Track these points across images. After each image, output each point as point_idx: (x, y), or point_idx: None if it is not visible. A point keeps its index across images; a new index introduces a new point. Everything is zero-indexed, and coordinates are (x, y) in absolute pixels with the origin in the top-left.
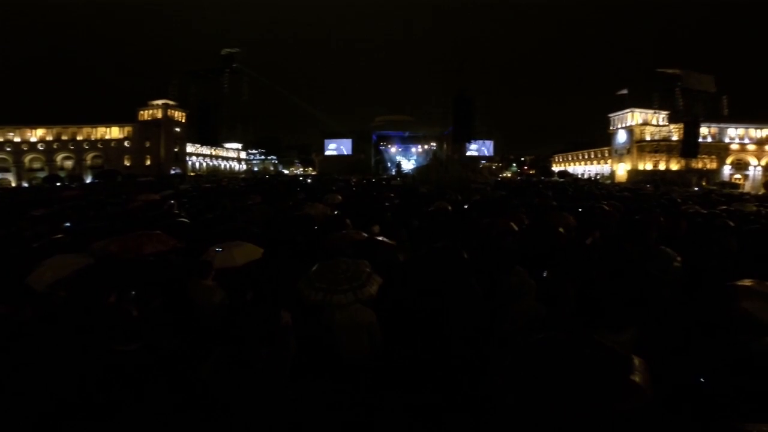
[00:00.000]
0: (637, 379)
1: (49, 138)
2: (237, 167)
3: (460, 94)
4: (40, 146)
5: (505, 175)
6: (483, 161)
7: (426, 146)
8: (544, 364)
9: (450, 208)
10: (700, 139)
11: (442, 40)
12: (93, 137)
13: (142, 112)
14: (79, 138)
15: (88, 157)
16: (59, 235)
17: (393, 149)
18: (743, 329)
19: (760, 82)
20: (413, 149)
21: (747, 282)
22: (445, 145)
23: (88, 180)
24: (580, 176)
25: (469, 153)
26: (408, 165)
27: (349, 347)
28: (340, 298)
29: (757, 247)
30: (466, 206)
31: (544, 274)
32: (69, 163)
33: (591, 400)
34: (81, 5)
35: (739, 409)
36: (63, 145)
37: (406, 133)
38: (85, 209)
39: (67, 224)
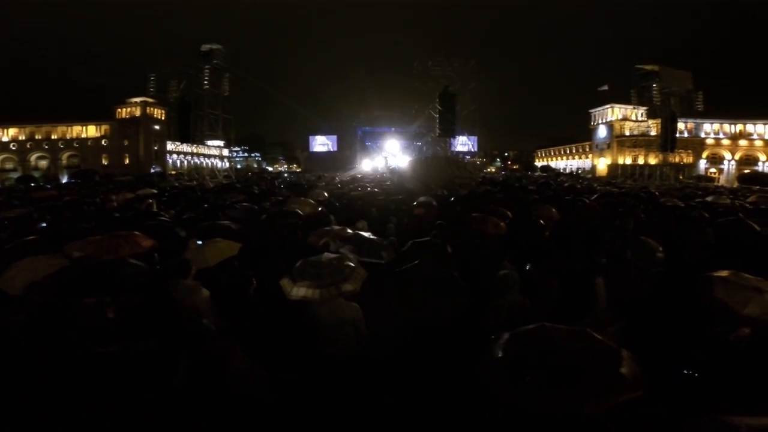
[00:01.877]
0: (625, 371)
1: (22, 137)
2: (219, 165)
3: (445, 90)
4: (12, 146)
5: (489, 170)
6: (467, 156)
7: (412, 141)
8: (533, 356)
9: (435, 203)
10: (677, 134)
11: (426, 34)
12: (68, 136)
13: (119, 109)
14: (54, 137)
15: (64, 157)
16: (32, 237)
17: (379, 144)
18: (720, 320)
19: (734, 78)
20: (399, 144)
21: (723, 273)
22: (430, 141)
23: (64, 180)
24: (562, 171)
25: (453, 149)
26: (395, 160)
27: (333, 343)
28: (323, 293)
29: (732, 239)
30: (452, 199)
31: (528, 267)
32: (44, 163)
33: (580, 392)
34: (56, 1)
35: (721, 399)
36: (37, 145)
37: (392, 129)
38: (60, 210)
39: (42, 225)
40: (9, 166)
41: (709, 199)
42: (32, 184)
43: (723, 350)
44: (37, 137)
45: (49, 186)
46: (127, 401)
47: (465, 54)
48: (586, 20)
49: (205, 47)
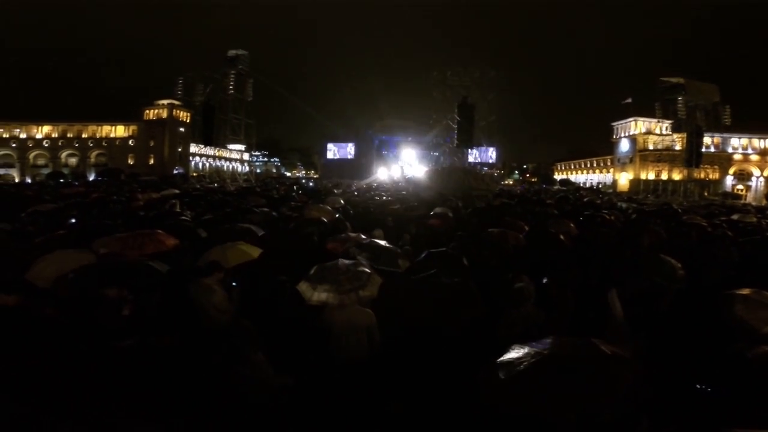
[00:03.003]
0: (630, 382)
1: (55, 135)
2: (240, 169)
3: (463, 101)
4: (45, 143)
5: (507, 182)
6: (485, 168)
7: (429, 151)
8: (529, 363)
9: (451, 215)
10: (703, 149)
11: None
12: (98, 135)
13: (147, 111)
14: (84, 136)
15: (93, 155)
16: (61, 232)
17: (396, 153)
18: (739, 337)
19: (763, 91)
20: (416, 154)
21: (744, 291)
22: (447, 151)
23: (92, 177)
24: (581, 185)
25: (471, 159)
26: (411, 170)
27: (348, 348)
28: (343, 299)
29: (756, 258)
30: (469, 211)
31: (544, 281)
32: (73, 161)
33: (583, 402)
34: (90, 3)
35: (736, 416)
36: (68, 143)
37: (409, 138)
38: (88, 207)
39: (72, 221)
40: (41, 162)
41: (735, 217)
42: (61, 180)
43: (741, 367)
44: (68, 135)
45: (77, 183)
46: (141, 396)
47: (485, 64)
48: (609, 32)
49: (232, 53)
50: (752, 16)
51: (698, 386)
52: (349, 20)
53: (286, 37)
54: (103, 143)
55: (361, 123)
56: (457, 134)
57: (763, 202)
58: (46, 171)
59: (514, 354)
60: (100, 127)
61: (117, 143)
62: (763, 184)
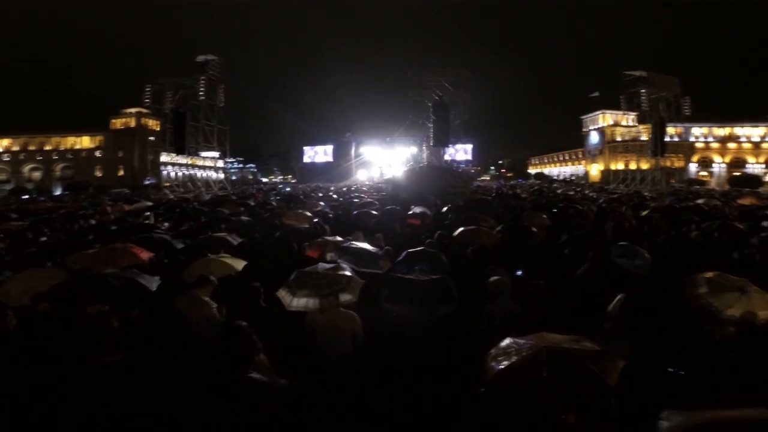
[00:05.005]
0: (595, 368)
1: (15, 148)
2: (214, 176)
3: (438, 101)
4: (5, 157)
5: (484, 178)
6: (462, 165)
7: (407, 152)
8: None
9: (429, 213)
10: (667, 139)
11: (420, 44)
12: (62, 147)
13: (114, 120)
14: (47, 148)
15: (58, 168)
16: (32, 250)
17: (374, 155)
18: (704, 319)
19: (720, 82)
20: (394, 155)
21: (708, 274)
22: (425, 149)
23: (58, 192)
24: (555, 177)
25: (448, 158)
26: (390, 171)
27: (331, 351)
28: (323, 303)
29: (719, 240)
30: (445, 209)
31: (519, 273)
32: (37, 174)
33: (551, 387)
34: (50, 9)
35: (706, 396)
36: (30, 156)
37: (387, 139)
38: (56, 222)
39: (43, 238)
40: (2, 177)
41: (700, 201)
42: (26, 196)
43: (709, 349)
44: (30, 148)
45: (42, 198)
46: (129, 410)
47: (458, 64)
48: (575, 28)
49: (201, 58)
50: (708, 13)
51: (670, 369)
52: (324, 23)
53: (258, 41)
54: (68, 155)
55: (338, 125)
56: (433, 133)
57: (726, 187)
58: (8, 186)
59: (510, 346)
60: (64, 139)
61: (83, 155)
62: (724, 170)
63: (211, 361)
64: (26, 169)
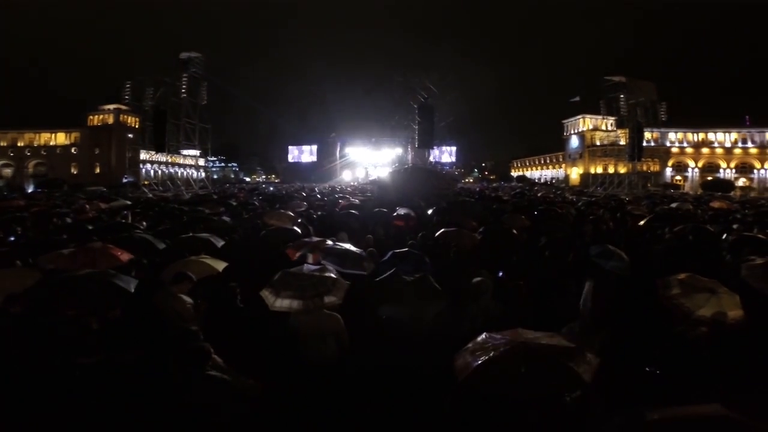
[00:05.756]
0: (572, 365)
1: None
2: (195, 175)
3: (423, 103)
4: None
5: (467, 180)
6: (446, 167)
7: (391, 152)
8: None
9: (413, 214)
10: (644, 143)
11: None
12: (36, 143)
13: (91, 117)
14: (20, 144)
15: (30, 165)
16: (2, 249)
17: (359, 155)
18: (676, 319)
19: (694, 88)
20: (379, 155)
21: (680, 275)
22: (410, 151)
23: (30, 189)
24: (537, 180)
25: (432, 159)
26: (375, 171)
27: (315, 353)
28: (307, 304)
29: (690, 243)
30: (429, 212)
31: (500, 274)
32: (8, 171)
33: (528, 383)
34: (25, 3)
35: (681, 394)
36: (2, 152)
37: (372, 139)
38: (28, 221)
39: (11, 238)
40: None
41: (673, 205)
42: None
43: (683, 348)
44: (2, 144)
45: (14, 195)
46: (110, 412)
47: (443, 67)
48: (559, 34)
49: (184, 55)
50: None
51: (647, 368)
52: (309, 22)
53: (242, 39)
54: (42, 152)
55: (323, 125)
56: (419, 135)
57: (699, 191)
58: None
59: (487, 341)
60: (38, 135)
61: (58, 151)
62: (698, 174)
63: (167, 361)
64: None
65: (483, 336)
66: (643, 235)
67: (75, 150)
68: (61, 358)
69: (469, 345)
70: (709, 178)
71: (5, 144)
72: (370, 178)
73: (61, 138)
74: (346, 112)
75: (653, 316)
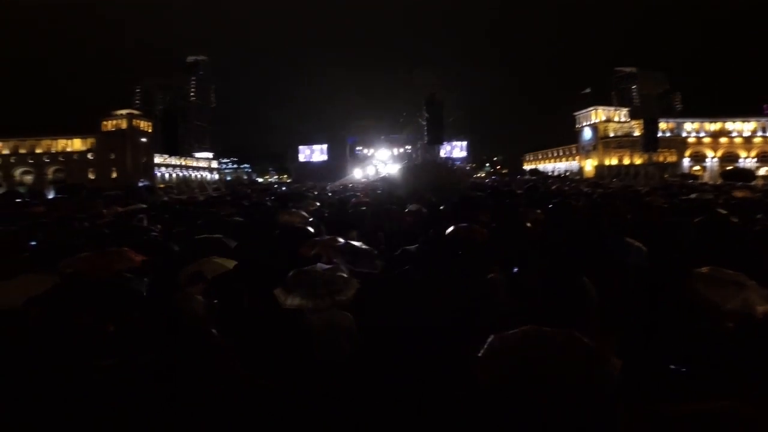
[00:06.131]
0: (593, 366)
1: (6, 151)
2: (209, 177)
3: (431, 98)
4: None
5: (479, 175)
6: (457, 162)
7: (401, 149)
8: (518, 354)
9: (425, 210)
10: (659, 134)
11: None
12: (53, 150)
13: (105, 122)
14: (38, 151)
15: (50, 171)
16: (24, 254)
17: (369, 153)
18: (702, 315)
19: (709, 77)
20: (389, 152)
21: (704, 269)
22: (419, 148)
23: (51, 195)
24: (550, 173)
25: (443, 155)
26: (385, 168)
27: (327, 352)
28: (318, 303)
29: (713, 234)
30: (441, 207)
31: (514, 270)
32: (29, 178)
33: (556, 387)
34: (36, 11)
35: (708, 392)
36: (21, 159)
37: (381, 137)
38: (50, 226)
39: (32, 243)
40: None
41: (693, 196)
42: (18, 200)
43: (709, 345)
44: (21, 151)
45: (35, 202)
46: (127, 414)
47: (450, 61)
48: (565, 24)
49: (191, 59)
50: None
51: (672, 367)
52: (315, 21)
53: (249, 41)
54: (60, 158)
55: (333, 124)
56: (427, 131)
57: (719, 181)
58: (0, 190)
59: (500, 343)
60: (55, 141)
61: (75, 157)
62: (717, 164)
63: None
64: (17, 172)
65: (494, 338)
66: (663, 226)
67: (91, 155)
68: (79, 361)
69: (483, 349)
70: (729, 168)
71: (24, 151)
72: (381, 175)
73: (77, 144)
74: (354, 110)
75: (676, 311)
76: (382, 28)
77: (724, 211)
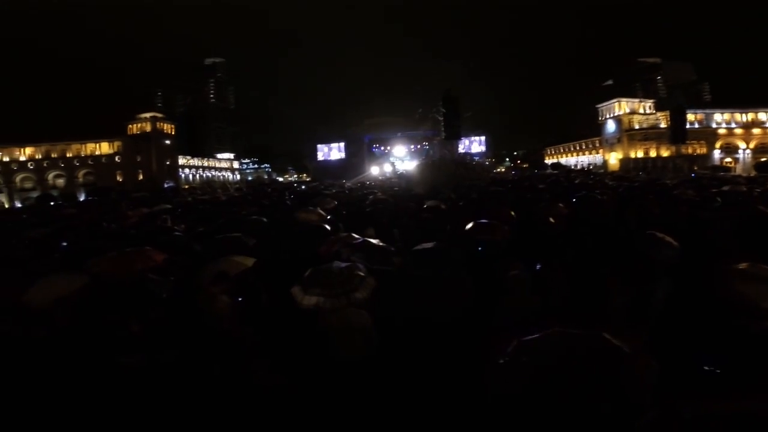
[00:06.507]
0: (633, 377)
1: (39, 156)
2: (231, 177)
3: (447, 93)
4: (30, 165)
5: (499, 170)
6: (476, 157)
7: (418, 146)
8: (542, 359)
9: (443, 207)
10: (688, 126)
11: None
12: (83, 153)
13: (130, 126)
14: (69, 155)
15: (80, 174)
16: (55, 255)
17: (386, 150)
18: (739, 313)
19: (738, 67)
20: (406, 149)
21: (741, 265)
22: (437, 144)
23: (82, 197)
24: (573, 167)
25: (461, 150)
26: (402, 165)
27: (343, 351)
28: (334, 302)
29: (749, 229)
30: (461, 203)
31: (538, 267)
32: (61, 181)
33: (583, 396)
34: (54, 21)
35: (745, 394)
36: (53, 163)
37: (398, 134)
38: (80, 229)
39: (63, 244)
40: (28, 185)
41: (725, 188)
42: (51, 203)
43: (746, 344)
44: (53, 156)
45: (68, 205)
46: (151, 411)
47: (465, 56)
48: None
49: (209, 61)
50: None
51: (705, 367)
52: (329, 22)
53: (264, 42)
54: (89, 161)
55: (349, 122)
56: (444, 127)
57: (752, 173)
58: (34, 194)
59: (523, 349)
60: (84, 145)
61: (103, 161)
62: (750, 156)
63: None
64: (50, 176)
65: (518, 342)
66: (695, 220)
67: (118, 158)
68: (104, 358)
69: (504, 355)
70: (763, 159)
71: (56, 155)
72: (398, 172)
73: (105, 147)
74: (370, 107)
75: (710, 309)
76: (398, 22)
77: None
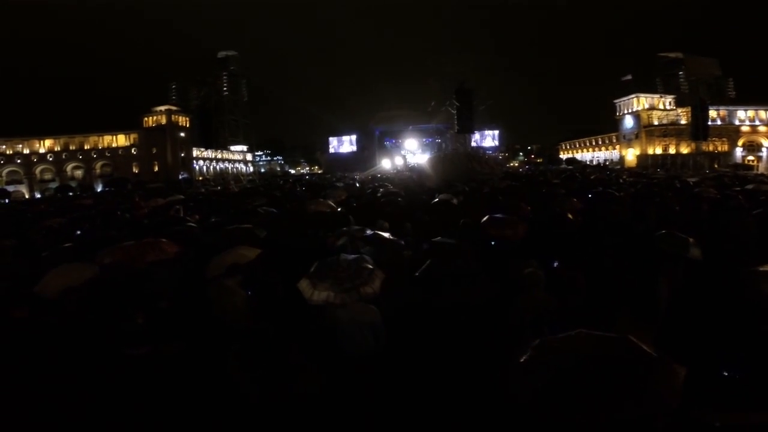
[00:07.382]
0: (660, 382)
1: (58, 148)
2: (243, 169)
3: (460, 87)
4: (49, 157)
5: (512, 164)
6: (489, 152)
7: (431, 139)
8: (566, 360)
9: (455, 201)
10: (709, 122)
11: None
12: (100, 146)
13: (146, 118)
14: (86, 147)
15: (98, 166)
16: (68, 245)
17: (398, 143)
18: (765, 317)
19: (765, 63)
20: (418, 142)
21: (767, 267)
22: (449, 137)
23: (99, 188)
24: (588, 163)
25: (474, 143)
26: (414, 158)
27: (352, 345)
28: (344, 297)
29: None
30: (474, 197)
31: (555, 265)
32: (79, 173)
33: (605, 403)
34: (71, 18)
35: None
36: (72, 155)
37: (410, 127)
38: (95, 218)
39: (77, 233)
40: (47, 176)
41: (749, 187)
42: (70, 194)
43: None
44: (71, 148)
45: (85, 195)
46: (158, 401)
47: (479, 49)
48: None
49: (222, 54)
50: None
51: (726, 373)
52: (342, 14)
53: (277, 35)
54: (107, 153)
55: (361, 115)
56: (458, 120)
57: None
58: (53, 185)
59: (544, 352)
60: (101, 138)
61: (120, 152)
62: None
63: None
64: (69, 167)
65: (539, 343)
66: (717, 219)
67: (135, 150)
68: (110, 349)
69: (522, 358)
70: None
71: (74, 148)
72: (410, 165)
73: (121, 140)
74: (383, 100)
75: (735, 311)
76: (411, 16)
77: None
